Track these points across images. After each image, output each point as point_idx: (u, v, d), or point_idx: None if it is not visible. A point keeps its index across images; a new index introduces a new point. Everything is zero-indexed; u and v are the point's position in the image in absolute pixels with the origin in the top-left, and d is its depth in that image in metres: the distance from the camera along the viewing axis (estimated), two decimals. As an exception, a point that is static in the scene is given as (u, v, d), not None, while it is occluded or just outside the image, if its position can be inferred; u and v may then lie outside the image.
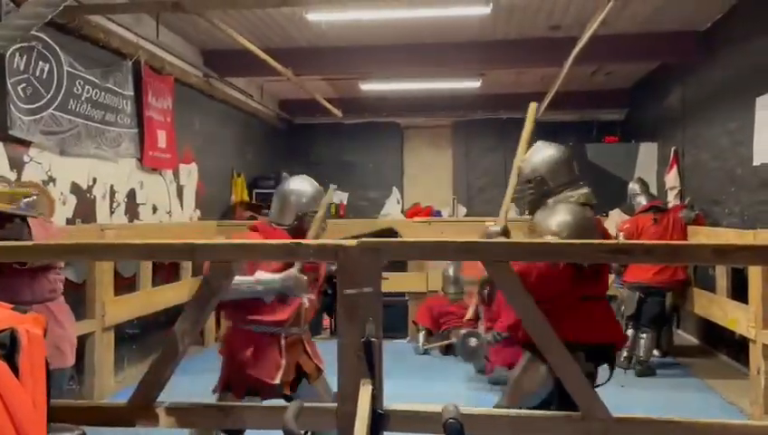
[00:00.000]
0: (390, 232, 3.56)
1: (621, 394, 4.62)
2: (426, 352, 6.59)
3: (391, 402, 2.02)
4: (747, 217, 5.88)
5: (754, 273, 4.55)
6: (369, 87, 9.35)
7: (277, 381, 2.93)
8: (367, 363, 1.85)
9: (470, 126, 11.28)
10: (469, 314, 6.16)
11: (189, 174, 7.41)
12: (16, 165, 4.53)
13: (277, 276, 2.90)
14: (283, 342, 2.98)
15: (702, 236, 5.92)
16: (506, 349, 5.42)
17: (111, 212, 5.75)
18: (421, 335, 6.74)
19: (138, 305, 5.68)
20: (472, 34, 7.16)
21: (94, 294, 4.98)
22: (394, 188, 11.50)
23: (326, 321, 7.76)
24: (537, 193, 2.98)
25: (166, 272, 6.45)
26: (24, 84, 4.56)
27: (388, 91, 10.06)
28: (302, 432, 1.83)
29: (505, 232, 2.98)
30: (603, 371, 2.91)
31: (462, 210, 11.25)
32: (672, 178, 7.66)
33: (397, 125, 11.49)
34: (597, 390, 2.36)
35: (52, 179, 4.91)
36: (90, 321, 4.93)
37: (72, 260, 4.50)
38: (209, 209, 7.90)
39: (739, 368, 5.67)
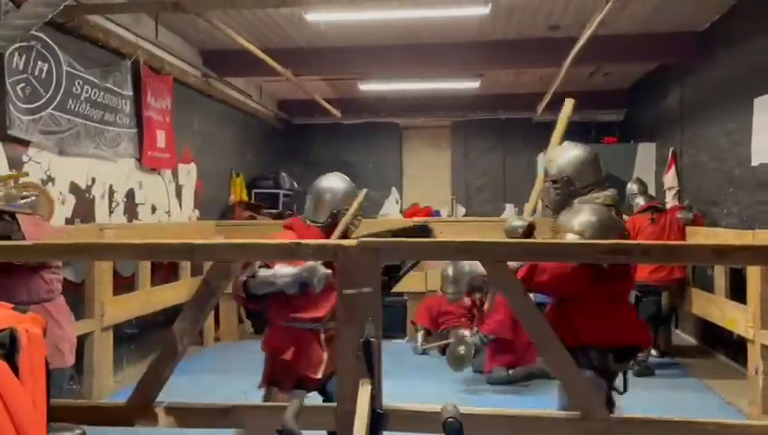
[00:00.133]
0: (424, 229, 3.52)
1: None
2: (424, 352, 6.59)
3: (390, 402, 2.02)
4: (745, 217, 5.89)
5: (753, 273, 4.56)
6: (368, 87, 9.35)
7: (320, 375, 3.00)
8: (366, 363, 1.85)
9: (469, 126, 11.29)
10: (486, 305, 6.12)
11: (188, 174, 7.41)
12: (15, 165, 4.52)
13: (295, 268, 2.90)
14: (322, 337, 3.04)
15: (700, 236, 5.93)
16: (505, 349, 5.44)
17: (110, 212, 5.75)
18: (420, 335, 6.74)
19: (137, 305, 5.68)
20: (471, 35, 7.17)
21: (93, 293, 4.98)
22: (393, 188, 11.50)
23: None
24: (563, 193, 2.93)
25: (165, 272, 6.44)
26: (23, 84, 4.56)
27: (387, 92, 10.06)
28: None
29: (530, 227, 2.95)
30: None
31: (461, 210, 11.26)
32: (670, 178, 7.67)
33: (396, 125, 11.50)
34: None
35: (50, 179, 4.91)
36: (88, 320, 4.92)
37: (71, 260, 4.50)
38: (208, 209, 7.90)
39: (737, 368, 5.68)
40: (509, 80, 9.48)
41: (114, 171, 5.80)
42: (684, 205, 6.76)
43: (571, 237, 2.70)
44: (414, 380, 5.44)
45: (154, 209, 6.58)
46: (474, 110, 10.85)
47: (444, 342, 6.44)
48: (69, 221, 5.13)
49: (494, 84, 9.63)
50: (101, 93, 5.51)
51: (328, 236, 3.05)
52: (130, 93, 5.97)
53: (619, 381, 2.81)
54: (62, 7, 3.67)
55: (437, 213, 10.76)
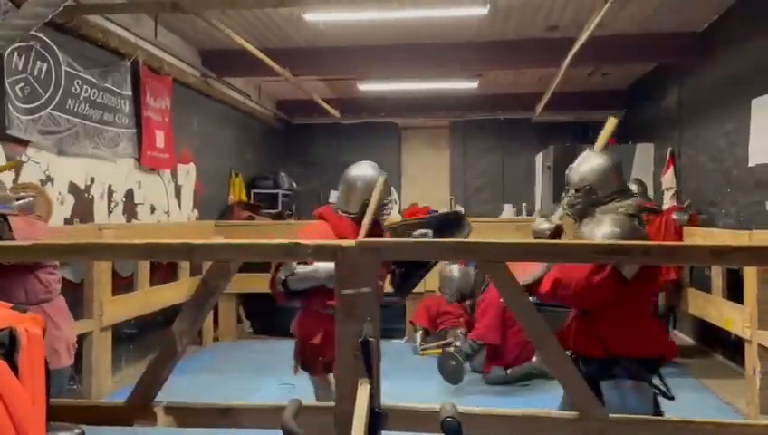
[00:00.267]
0: (456, 216, 3.49)
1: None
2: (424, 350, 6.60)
3: (389, 401, 2.03)
4: (743, 217, 5.90)
5: (750, 273, 4.57)
6: (367, 87, 9.35)
7: None
8: (365, 363, 1.85)
9: (468, 126, 11.30)
10: None
11: (187, 174, 7.41)
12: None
13: (327, 264, 2.87)
14: None
15: (698, 236, 5.94)
16: (496, 354, 5.45)
17: (109, 212, 5.75)
18: (418, 335, 6.75)
19: (136, 305, 5.68)
20: (469, 35, 7.18)
21: (92, 293, 4.98)
22: (392, 188, 11.49)
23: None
24: (585, 202, 2.89)
25: (164, 272, 6.45)
26: (22, 84, 4.56)
27: (385, 92, 10.07)
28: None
29: (558, 230, 2.95)
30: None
31: (459, 210, 11.26)
32: (668, 178, 7.68)
33: (394, 125, 11.50)
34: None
35: (50, 179, 4.91)
36: (87, 320, 4.92)
37: (70, 260, 4.50)
38: (207, 209, 7.90)
39: (735, 368, 5.69)
40: (508, 80, 9.49)
41: (113, 171, 5.80)
42: (683, 205, 6.77)
43: None
44: (412, 379, 5.45)
45: (153, 209, 6.58)
46: (472, 110, 10.86)
47: (442, 342, 6.46)
48: (68, 221, 5.13)
49: (493, 84, 9.64)
50: (100, 93, 5.51)
51: (360, 227, 3.02)
52: (129, 93, 5.97)
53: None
54: (61, 8, 3.67)
55: (436, 213, 10.77)
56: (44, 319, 2.51)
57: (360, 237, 2.77)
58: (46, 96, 4.82)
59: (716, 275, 5.33)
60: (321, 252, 2.06)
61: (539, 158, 9.93)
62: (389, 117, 11.20)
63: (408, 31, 6.97)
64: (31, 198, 3.67)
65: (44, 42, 4.77)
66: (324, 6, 5.71)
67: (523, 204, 10.57)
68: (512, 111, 10.77)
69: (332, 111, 9.90)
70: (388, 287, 3.42)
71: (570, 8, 6.28)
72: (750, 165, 5.75)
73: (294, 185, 10.50)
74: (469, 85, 9.29)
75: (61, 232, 4.59)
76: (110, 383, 5.20)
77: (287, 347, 7.69)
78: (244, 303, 7.81)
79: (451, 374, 5.29)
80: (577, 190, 2.91)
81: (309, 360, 3.12)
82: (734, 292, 5.03)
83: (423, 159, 11.58)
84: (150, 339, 6.15)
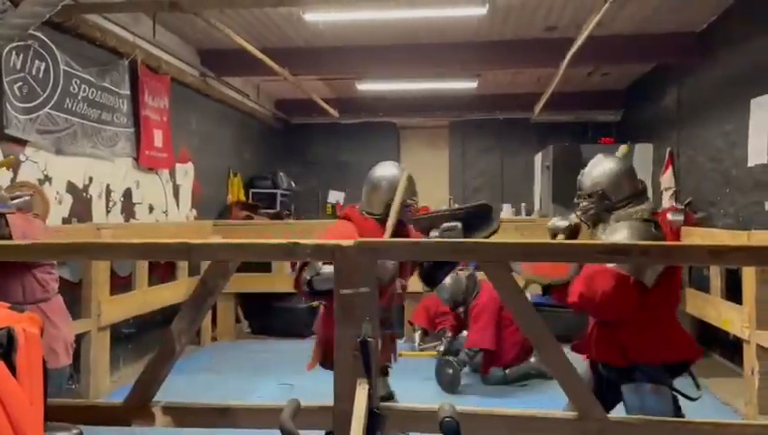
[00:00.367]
0: (486, 209, 3.43)
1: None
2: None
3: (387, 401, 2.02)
4: (742, 217, 5.90)
5: (748, 273, 4.57)
6: (366, 87, 9.35)
7: None
8: (363, 363, 1.85)
9: (466, 126, 11.30)
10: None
11: (186, 173, 7.40)
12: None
13: None
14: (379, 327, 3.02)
15: (696, 237, 5.94)
16: (492, 359, 5.45)
17: (108, 211, 5.75)
18: (417, 335, 6.75)
19: (134, 305, 5.67)
20: (468, 35, 7.17)
21: (90, 293, 4.97)
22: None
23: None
24: (598, 208, 2.85)
25: (162, 271, 6.44)
26: (20, 83, 4.56)
27: (384, 92, 10.06)
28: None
29: (575, 228, 2.91)
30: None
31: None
32: (667, 178, 7.68)
33: (393, 125, 11.50)
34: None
35: (48, 179, 4.91)
36: (85, 320, 4.92)
37: (68, 259, 4.49)
38: (205, 209, 7.89)
39: (733, 368, 5.69)
40: (507, 80, 9.49)
41: (111, 171, 5.79)
42: (684, 203, 6.76)
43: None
44: (411, 379, 5.44)
45: (151, 209, 6.58)
46: (471, 110, 10.86)
47: (431, 344, 6.48)
48: (66, 221, 5.12)
49: (492, 84, 9.64)
50: (99, 93, 5.51)
51: (385, 229, 2.97)
52: (128, 93, 5.96)
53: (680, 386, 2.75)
54: (59, 7, 3.66)
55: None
56: (42, 318, 2.51)
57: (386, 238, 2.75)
58: (44, 95, 4.81)
59: (715, 275, 5.33)
60: (320, 252, 2.06)
61: (538, 158, 9.93)
62: (388, 117, 11.19)
63: (407, 31, 6.97)
64: (28, 197, 3.67)
65: (42, 41, 4.77)
66: (323, 6, 5.71)
67: (522, 204, 10.58)
68: (511, 111, 10.77)
69: (331, 110, 9.90)
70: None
71: (569, 8, 6.28)
72: (749, 165, 5.75)
73: (293, 185, 10.49)
74: (468, 85, 9.29)
75: (59, 231, 4.58)
76: (108, 383, 5.20)
77: (285, 347, 7.73)
78: (242, 303, 7.81)
79: (448, 383, 5.30)
80: (590, 196, 2.86)
81: (330, 360, 3.09)
82: (733, 292, 5.04)
83: (422, 159, 11.57)
84: (148, 339, 6.15)
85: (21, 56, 4.55)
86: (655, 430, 2.10)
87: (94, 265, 4.95)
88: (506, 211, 10.34)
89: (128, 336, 5.93)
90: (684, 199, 7.11)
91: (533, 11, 6.40)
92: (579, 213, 2.92)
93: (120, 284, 5.59)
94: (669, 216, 6.21)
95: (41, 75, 4.77)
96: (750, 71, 5.80)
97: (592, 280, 2.58)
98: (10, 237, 3.19)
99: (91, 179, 5.48)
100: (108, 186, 5.74)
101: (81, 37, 5.22)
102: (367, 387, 1.84)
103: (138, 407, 2.17)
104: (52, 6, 3.63)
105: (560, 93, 8.78)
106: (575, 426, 2.05)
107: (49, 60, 4.86)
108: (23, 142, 4.62)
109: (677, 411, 2.68)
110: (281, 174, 10.07)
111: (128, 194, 6.11)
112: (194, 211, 7.59)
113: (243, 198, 9.07)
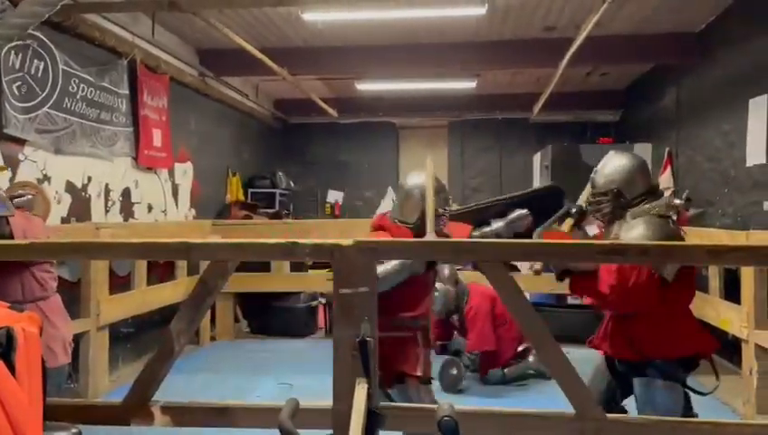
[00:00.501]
0: (555, 190, 3.35)
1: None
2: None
3: (386, 401, 2.03)
4: (740, 217, 5.91)
5: (747, 273, 4.58)
6: (365, 87, 9.35)
7: (419, 373, 2.96)
8: (362, 363, 1.85)
9: (466, 126, 11.30)
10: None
11: (185, 173, 7.40)
12: (11, 163, 4.51)
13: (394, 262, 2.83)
14: (419, 334, 3.01)
15: (694, 237, 5.94)
16: (493, 360, 5.46)
17: (106, 211, 5.74)
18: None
19: (132, 304, 5.67)
20: (468, 35, 7.18)
21: (89, 292, 4.97)
22: (389, 187, 11.51)
23: (321, 321, 7.79)
24: (613, 206, 2.82)
25: (161, 271, 6.44)
26: (18, 82, 4.55)
27: (383, 91, 10.06)
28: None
29: (581, 212, 2.90)
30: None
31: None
32: (666, 178, 7.68)
33: (392, 125, 11.50)
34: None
35: (46, 178, 4.90)
36: (84, 320, 4.91)
37: (67, 259, 4.49)
38: (204, 209, 7.89)
39: (732, 368, 5.69)
40: (506, 80, 9.50)
41: (110, 170, 5.79)
42: (682, 200, 6.75)
43: None
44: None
45: (150, 208, 6.57)
46: (470, 109, 10.87)
47: (439, 341, 6.45)
48: (65, 220, 5.12)
49: (491, 84, 9.64)
50: (98, 92, 5.50)
51: (419, 237, 2.93)
52: (127, 92, 5.96)
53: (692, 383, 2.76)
54: (59, 6, 3.66)
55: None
56: (41, 318, 2.51)
57: None
58: (43, 95, 4.81)
59: (713, 275, 5.34)
60: (319, 251, 2.06)
61: (537, 157, 9.93)
62: (387, 116, 11.20)
63: (407, 31, 6.97)
64: (30, 196, 3.68)
65: (41, 40, 4.76)
66: (323, 6, 5.71)
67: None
68: (510, 111, 10.78)
69: (330, 110, 9.90)
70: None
71: (568, 8, 6.29)
72: (747, 165, 5.76)
73: (292, 184, 10.50)
74: (467, 85, 9.29)
75: (58, 231, 4.58)
76: (107, 383, 5.19)
77: (284, 347, 7.73)
78: (241, 302, 7.81)
79: (451, 383, 5.30)
80: (604, 194, 2.84)
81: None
82: (731, 292, 5.04)
83: (421, 159, 11.55)
84: (147, 338, 6.15)
85: (20, 56, 4.55)
86: (653, 429, 2.10)
87: (93, 264, 4.95)
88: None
89: (126, 336, 5.93)
90: (681, 195, 7.10)
91: (532, 11, 6.40)
92: (593, 210, 2.90)
93: (119, 283, 5.59)
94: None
95: (40, 75, 4.77)
96: (749, 71, 5.80)
97: (622, 273, 2.56)
98: (11, 237, 3.20)
99: (89, 179, 5.48)
100: (107, 185, 5.74)
101: (80, 37, 5.21)
102: (366, 387, 1.84)
103: (137, 406, 2.17)
104: (52, 6, 3.62)
105: (559, 93, 8.79)
106: (573, 425, 2.05)
107: (48, 59, 4.86)
108: (21, 142, 4.62)
109: (688, 410, 2.69)
110: (280, 174, 10.07)
111: (126, 193, 6.10)
112: (193, 211, 7.59)
113: (242, 197, 9.07)
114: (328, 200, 11.51)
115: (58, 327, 3.52)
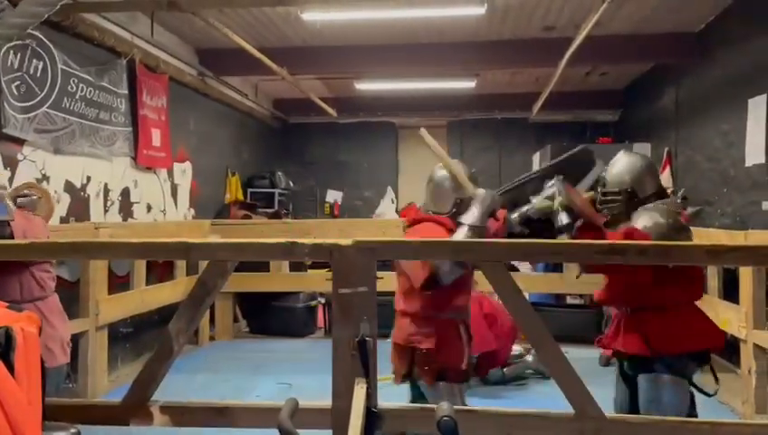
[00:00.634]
0: (585, 153, 3.34)
1: (614, 394, 4.63)
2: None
3: (385, 401, 2.03)
4: (739, 217, 5.91)
5: (745, 273, 4.58)
6: (365, 86, 9.35)
7: (464, 366, 2.93)
8: (361, 362, 1.85)
9: (465, 126, 11.30)
10: None
11: (184, 173, 7.39)
12: (10, 163, 4.51)
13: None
14: (462, 327, 2.98)
15: (694, 236, 5.94)
16: (493, 359, 5.46)
17: (105, 211, 5.74)
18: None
19: (132, 304, 5.67)
20: (467, 35, 7.18)
21: (88, 292, 4.97)
22: (389, 187, 11.51)
23: (320, 321, 7.79)
24: (626, 205, 2.86)
25: (160, 271, 6.43)
26: (17, 82, 4.55)
27: (383, 91, 10.06)
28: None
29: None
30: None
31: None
32: (665, 178, 7.69)
33: (392, 124, 11.50)
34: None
35: (45, 178, 4.90)
36: (83, 320, 4.91)
37: (67, 259, 4.49)
38: (203, 208, 7.88)
39: (731, 368, 5.70)
40: (505, 80, 9.50)
41: (109, 170, 5.79)
42: (679, 199, 6.75)
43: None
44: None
45: (149, 208, 6.57)
46: (470, 109, 10.87)
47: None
48: (64, 220, 5.11)
49: (491, 84, 9.65)
50: (97, 92, 5.50)
51: (454, 225, 2.95)
52: (126, 92, 5.95)
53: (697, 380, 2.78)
54: (58, 7, 3.65)
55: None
56: (39, 317, 2.51)
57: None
58: (42, 94, 4.81)
59: (712, 275, 5.34)
60: (318, 251, 2.06)
61: (536, 157, 9.93)
62: (387, 116, 11.20)
63: (406, 30, 6.97)
64: (34, 198, 3.68)
65: (40, 40, 4.76)
66: (322, 5, 5.70)
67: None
68: (509, 111, 10.78)
69: (330, 110, 9.89)
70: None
71: (567, 8, 6.29)
72: (746, 165, 5.76)
73: (291, 184, 10.49)
74: (466, 85, 9.29)
75: (57, 231, 4.57)
76: (106, 383, 5.19)
77: (283, 346, 7.73)
78: (240, 302, 7.81)
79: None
80: (616, 193, 2.87)
81: (419, 368, 2.92)
82: (730, 292, 5.04)
83: (420, 159, 11.56)
84: (146, 338, 6.14)
85: (19, 55, 4.54)
86: (653, 428, 2.10)
87: (92, 264, 4.95)
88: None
89: (126, 336, 5.93)
90: (679, 193, 7.10)
91: (532, 11, 6.40)
92: (604, 208, 2.93)
93: (118, 283, 5.59)
94: None
95: (39, 74, 4.76)
96: (748, 71, 5.81)
97: (634, 236, 2.60)
98: (11, 237, 3.20)
99: (88, 179, 5.48)
100: (106, 185, 5.74)
101: (79, 36, 5.21)
102: (365, 386, 1.84)
103: (136, 406, 2.17)
104: (51, 6, 3.62)
105: (558, 93, 8.79)
106: (573, 425, 2.05)
107: (47, 59, 4.85)
108: (20, 142, 4.61)
109: (692, 409, 2.70)
110: (279, 173, 10.06)
111: (126, 193, 6.10)
112: (192, 211, 7.59)
113: (241, 197, 9.07)
114: (327, 200, 11.51)
115: (56, 327, 3.52)
